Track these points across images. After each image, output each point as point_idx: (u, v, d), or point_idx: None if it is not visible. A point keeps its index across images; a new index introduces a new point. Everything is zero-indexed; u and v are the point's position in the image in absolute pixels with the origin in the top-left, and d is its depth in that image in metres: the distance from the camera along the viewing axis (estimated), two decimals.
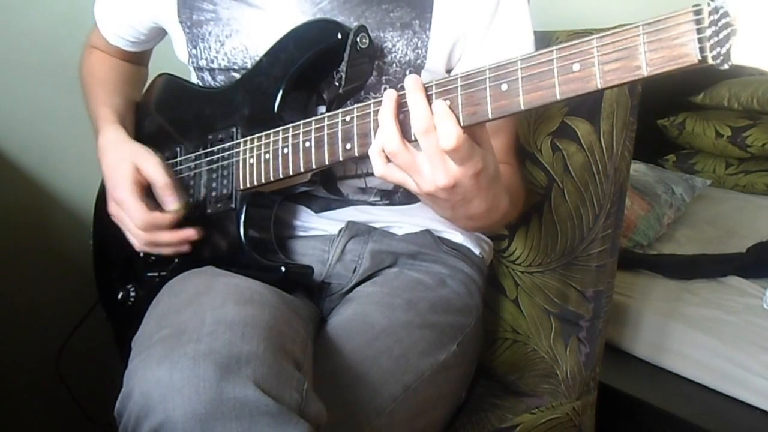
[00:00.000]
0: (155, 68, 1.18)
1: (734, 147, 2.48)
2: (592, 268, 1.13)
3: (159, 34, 1.14)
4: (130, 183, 0.95)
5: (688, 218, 2.24)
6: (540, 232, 1.18)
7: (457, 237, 1.07)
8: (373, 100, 0.78)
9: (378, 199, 1.03)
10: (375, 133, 0.77)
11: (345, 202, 1.02)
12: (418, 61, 0.95)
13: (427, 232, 1.04)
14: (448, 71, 0.98)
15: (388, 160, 0.75)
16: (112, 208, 0.99)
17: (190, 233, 0.96)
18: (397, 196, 1.04)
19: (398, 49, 0.94)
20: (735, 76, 2.65)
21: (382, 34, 0.94)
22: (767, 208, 2.37)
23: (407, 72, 0.95)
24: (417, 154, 0.73)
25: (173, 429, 0.63)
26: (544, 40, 1.11)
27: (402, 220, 1.04)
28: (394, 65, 0.95)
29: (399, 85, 0.95)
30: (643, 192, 2.08)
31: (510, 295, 1.24)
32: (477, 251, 1.10)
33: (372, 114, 0.78)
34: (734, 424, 1.45)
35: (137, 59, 1.21)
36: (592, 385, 1.18)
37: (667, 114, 2.67)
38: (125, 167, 0.97)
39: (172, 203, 0.95)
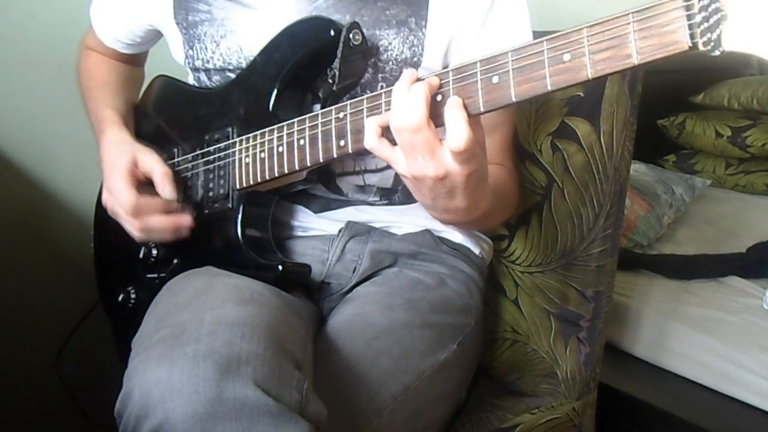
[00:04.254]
0: (153, 70, 1.18)
1: (734, 147, 2.48)
2: (592, 268, 1.13)
3: (154, 36, 1.14)
4: (124, 171, 0.96)
5: (688, 218, 2.24)
6: (540, 232, 1.18)
7: (456, 237, 1.07)
8: (366, 96, 0.78)
9: (377, 198, 1.03)
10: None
11: (344, 202, 1.02)
12: (415, 59, 0.95)
13: (427, 232, 1.04)
14: (444, 68, 0.97)
15: (382, 134, 0.75)
16: (105, 197, 0.99)
17: (184, 218, 0.96)
18: (396, 195, 1.04)
19: (394, 46, 0.94)
20: (735, 76, 2.65)
21: (378, 32, 0.94)
22: (767, 208, 2.37)
23: (404, 69, 0.95)
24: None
25: (173, 429, 0.63)
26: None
27: (401, 220, 1.04)
28: (391, 63, 0.95)
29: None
30: (643, 192, 2.08)
31: (510, 295, 1.24)
32: (477, 251, 1.10)
33: (365, 110, 0.78)
34: (734, 424, 1.46)
35: (133, 60, 1.21)
36: (592, 385, 1.18)
37: (667, 114, 2.67)
38: (123, 159, 0.98)
39: (169, 192, 0.96)
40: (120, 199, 0.95)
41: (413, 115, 0.71)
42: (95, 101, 1.12)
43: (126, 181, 0.95)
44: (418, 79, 0.73)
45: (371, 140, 0.76)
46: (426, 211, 0.85)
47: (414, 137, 0.71)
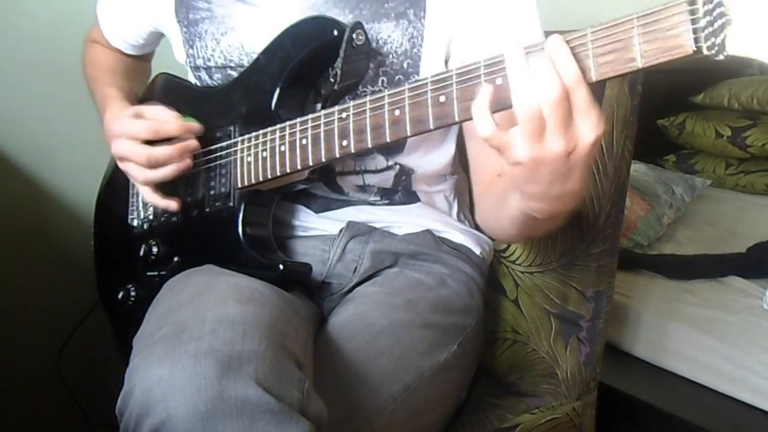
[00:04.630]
0: (154, 68, 1.19)
1: (734, 147, 2.48)
2: (592, 268, 1.13)
3: (156, 39, 1.15)
4: (131, 113, 0.95)
5: (688, 218, 2.24)
6: None
7: (457, 237, 1.07)
8: (369, 98, 0.78)
9: (378, 198, 1.03)
10: (370, 130, 0.77)
11: (345, 202, 1.02)
12: (414, 50, 0.95)
13: (428, 232, 1.04)
14: (446, 60, 0.97)
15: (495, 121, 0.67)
16: (115, 145, 0.96)
17: (190, 142, 0.94)
18: (397, 195, 1.04)
19: (394, 39, 0.94)
20: (735, 76, 2.66)
21: (377, 25, 0.94)
22: (767, 208, 2.37)
23: (404, 64, 0.95)
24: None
25: (174, 427, 0.63)
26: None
27: (402, 220, 1.04)
28: (391, 56, 0.95)
29: (396, 77, 0.95)
30: (643, 192, 2.08)
31: (510, 295, 1.24)
32: (477, 251, 1.10)
33: (368, 111, 0.78)
34: (734, 424, 1.46)
35: (140, 56, 1.22)
36: (592, 385, 1.18)
37: (667, 114, 2.67)
38: (127, 110, 0.97)
39: (176, 115, 0.95)
40: (134, 130, 0.93)
41: (570, 72, 0.63)
42: (100, 85, 1.12)
43: (135, 118, 0.95)
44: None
45: (488, 129, 0.67)
46: (532, 203, 0.75)
47: (554, 111, 0.64)
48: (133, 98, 1.12)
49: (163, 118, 0.94)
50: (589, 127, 0.65)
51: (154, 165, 0.93)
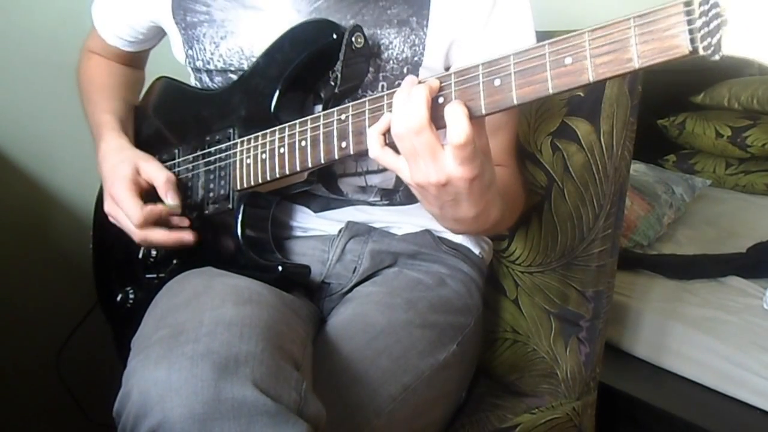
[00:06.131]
0: (155, 69, 1.18)
1: (734, 147, 2.48)
2: (592, 268, 1.13)
3: (158, 33, 1.14)
4: (128, 181, 0.96)
5: (688, 218, 2.24)
6: (540, 232, 1.18)
7: (456, 237, 1.07)
8: (368, 98, 0.78)
9: (378, 198, 1.03)
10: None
11: (344, 201, 1.02)
12: (415, 58, 0.95)
13: (427, 232, 1.04)
14: (446, 68, 0.98)
15: (386, 143, 0.75)
16: (108, 206, 0.99)
17: (186, 236, 0.96)
18: (397, 195, 1.04)
19: (395, 46, 0.94)
20: (735, 76, 2.65)
21: (379, 31, 0.94)
22: (767, 208, 2.37)
23: (404, 69, 0.95)
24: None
25: (171, 429, 0.63)
26: (543, 40, 1.11)
27: (402, 220, 1.04)
28: (391, 62, 0.95)
29: (396, 82, 0.95)
30: (643, 192, 2.08)
31: (510, 295, 1.24)
32: (477, 251, 1.10)
33: (367, 112, 0.78)
34: (734, 424, 1.45)
35: (135, 62, 1.22)
36: (592, 385, 1.18)
37: (667, 114, 2.67)
38: (125, 167, 0.97)
39: (172, 198, 0.96)
40: (126, 210, 0.95)
41: (414, 116, 0.70)
42: (93, 105, 1.12)
43: (130, 190, 0.95)
44: (419, 82, 0.73)
45: (375, 150, 0.75)
46: (438, 222, 0.84)
47: (416, 140, 0.70)
48: (127, 114, 1.12)
49: (158, 182, 0.96)
50: (454, 163, 0.70)
51: (146, 243, 0.96)
